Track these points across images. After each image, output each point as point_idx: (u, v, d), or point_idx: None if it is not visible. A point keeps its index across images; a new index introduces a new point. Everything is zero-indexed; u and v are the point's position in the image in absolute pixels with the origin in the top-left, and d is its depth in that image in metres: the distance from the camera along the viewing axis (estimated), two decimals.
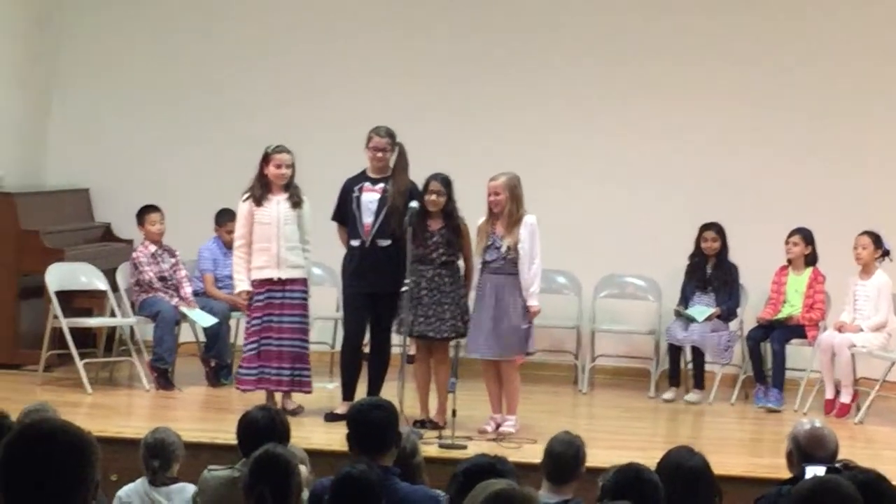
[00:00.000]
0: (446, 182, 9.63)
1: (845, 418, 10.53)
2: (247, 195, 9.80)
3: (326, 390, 10.77)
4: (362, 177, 9.81)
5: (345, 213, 9.81)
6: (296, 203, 9.82)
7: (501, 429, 9.47)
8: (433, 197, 9.59)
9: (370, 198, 9.70)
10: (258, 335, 9.77)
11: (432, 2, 12.52)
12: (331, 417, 9.58)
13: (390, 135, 9.75)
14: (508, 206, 9.44)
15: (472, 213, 9.72)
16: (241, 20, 12.70)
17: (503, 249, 9.45)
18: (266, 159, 9.78)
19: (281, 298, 9.79)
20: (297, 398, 9.93)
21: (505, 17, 12.39)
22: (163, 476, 6.56)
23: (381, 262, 9.65)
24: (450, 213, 9.65)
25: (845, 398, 10.70)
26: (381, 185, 9.72)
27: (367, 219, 9.69)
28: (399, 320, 9.57)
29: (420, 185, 9.70)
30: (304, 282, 9.89)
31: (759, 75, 12.03)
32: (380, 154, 9.72)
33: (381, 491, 5.22)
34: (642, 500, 5.02)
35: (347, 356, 9.93)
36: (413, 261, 9.46)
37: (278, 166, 9.75)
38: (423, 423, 9.48)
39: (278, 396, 9.86)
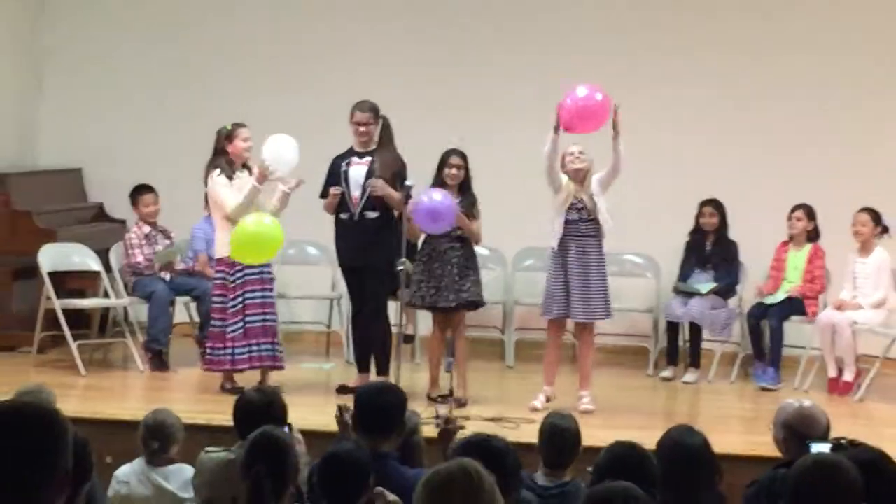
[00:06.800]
0: (464, 156, 9.83)
1: (848, 396, 10.48)
2: (218, 172, 9.69)
3: (323, 371, 10.73)
4: (349, 153, 9.90)
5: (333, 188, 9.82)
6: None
7: (582, 407, 9.39)
8: (453, 171, 9.78)
9: (358, 171, 9.77)
10: (242, 314, 9.67)
11: None
12: (342, 390, 9.57)
13: (372, 109, 9.81)
14: (588, 178, 9.58)
15: None
16: (232, 4, 12.63)
17: (583, 210, 9.53)
18: (230, 137, 9.71)
19: (259, 274, 9.72)
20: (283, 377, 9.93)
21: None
22: (161, 457, 6.54)
23: (370, 234, 9.69)
24: (467, 186, 9.81)
25: (848, 376, 10.62)
26: (368, 157, 9.79)
27: (355, 192, 9.76)
28: (411, 295, 9.66)
29: (436, 160, 9.84)
30: None
31: (758, 55, 11.96)
32: (362, 129, 9.80)
33: (368, 470, 5.17)
34: (638, 477, 4.93)
35: (352, 330, 10.22)
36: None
37: (245, 140, 9.73)
38: (444, 398, 9.35)
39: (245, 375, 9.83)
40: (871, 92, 11.77)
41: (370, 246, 9.65)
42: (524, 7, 12.28)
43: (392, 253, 9.37)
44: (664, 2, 12.19)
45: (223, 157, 9.72)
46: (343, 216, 9.81)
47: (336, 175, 9.81)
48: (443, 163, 9.84)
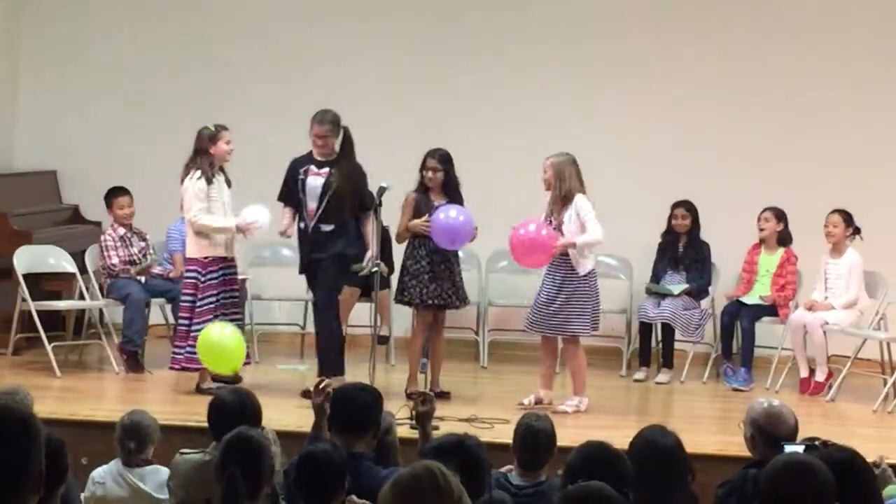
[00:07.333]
0: (444, 158, 9.82)
1: (819, 396, 10.56)
2: (199, 174, 9.71)
3: (298, 372, 10.75)
4: (308, 159, 9.79)
5: (289, 194, 9.82)
6: (228, 182, 9.87)
7: (560, 407, 9.48)
8: (430, 174, 9.79)
9: (315, 182, 9.70)
10: (213, 313, 9.71)
11: None
12: (306, 394, 9.57)
13: (333, 122, 9.73)
14: (556, 184, 9.54)
15: None
16: (210, 7, 12.64)
17: (553, 228, 9.55)
18: (213, 139, 9.73)
19: (232, 274, 9.87)
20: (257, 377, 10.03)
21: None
22: (137, 457, 6.56)
23: (324, 246, 9.66)
24: (451, 187, 9.81)
25: (820, 377, 10.71)
26: (327, 169, 9.71)
27: (312, 203, 9.70)
28: (411, 293, 9.75)
29: (419, 161, 9.88)
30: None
31: (730, 53, 12.02)
32: (320, 142, 9.73)
33: (344, 470, 5.20)
34: (610, 477, 4.97)
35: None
36: (415, 235, 9.73)
37: (228, 143, 9.77)
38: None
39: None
40: (845, 93, 11.81)
41: (323, 252, 9.67)
42: (521, 7, 12.29)
43: (342, 247, 9.45)
44: (641, 10, 12.21)
45: (205, 158, 9.74)
46: (300, 226, 9.81)
47: (293, 182, 9.78)
48: (422, 166, 9.87)
